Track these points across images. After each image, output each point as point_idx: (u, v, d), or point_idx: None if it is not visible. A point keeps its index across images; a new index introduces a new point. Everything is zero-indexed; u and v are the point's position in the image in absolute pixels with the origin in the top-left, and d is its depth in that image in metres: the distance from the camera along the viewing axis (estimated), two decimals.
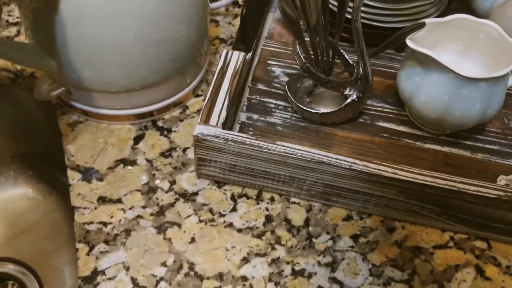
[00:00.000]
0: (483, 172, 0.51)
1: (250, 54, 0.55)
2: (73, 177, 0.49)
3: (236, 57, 0.52)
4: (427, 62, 0.48)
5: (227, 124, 0.48)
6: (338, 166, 0.44)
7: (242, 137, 0.44)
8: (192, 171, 0.50)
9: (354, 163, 0.44)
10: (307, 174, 0.46)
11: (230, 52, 0.52)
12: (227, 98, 0.47)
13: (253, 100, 0.56)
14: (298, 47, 0.51)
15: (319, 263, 0.45)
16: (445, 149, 0.53)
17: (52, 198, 0.60)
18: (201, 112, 0.47)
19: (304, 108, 0.52)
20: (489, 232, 0.47)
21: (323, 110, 0.53)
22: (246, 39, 0.56)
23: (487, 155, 0.53)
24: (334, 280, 0.44)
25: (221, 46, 0.63)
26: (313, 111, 0.52)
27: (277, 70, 0.59)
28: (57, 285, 0.56)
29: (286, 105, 0.55)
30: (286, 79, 0.57)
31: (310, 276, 0.45)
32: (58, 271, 0.57)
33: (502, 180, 0.48)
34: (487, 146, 0.54)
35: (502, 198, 0.43)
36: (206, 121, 0.45)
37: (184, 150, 0.52)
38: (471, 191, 0.43)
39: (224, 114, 0.46)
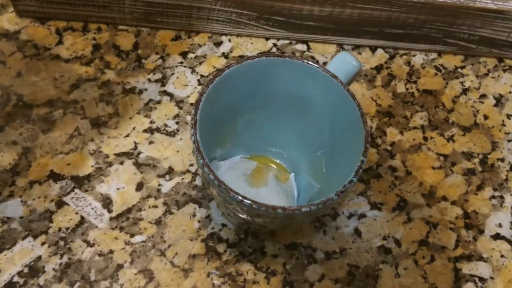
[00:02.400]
0: None
1: None
2: None
3: None
4: None
5: None
6: None
7: None
8: (12, 11, 0.49)
9: None
10: None
11: None
12: None
13: None
14: None
15: (149, 80, 0.47)
16: None
17: None
18: None
19: None
20: (305, 33, 0.51)
21: None
22: None
23: None
24: (164, 92, 0.47)
25: None
26: None
27: None
28: None
29: None
30: None
31: (141, 92, 0.47)
32: None
33: None
34: None
35: None
36: None
37: None
38: None
39: None
